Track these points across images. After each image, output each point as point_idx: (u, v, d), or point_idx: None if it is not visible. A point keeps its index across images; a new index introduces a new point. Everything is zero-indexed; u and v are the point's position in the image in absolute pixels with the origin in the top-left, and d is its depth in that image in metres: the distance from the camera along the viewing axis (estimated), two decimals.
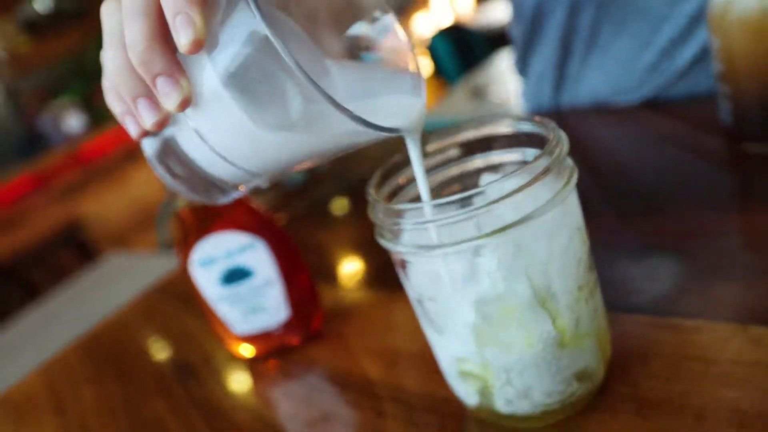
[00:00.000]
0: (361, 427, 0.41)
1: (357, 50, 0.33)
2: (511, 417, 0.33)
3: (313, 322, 0.53)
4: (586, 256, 0.31)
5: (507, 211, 0.28)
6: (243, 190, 0.34)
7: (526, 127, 0.33)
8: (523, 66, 0.90)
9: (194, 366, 0.57)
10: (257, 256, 0.49)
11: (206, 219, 0.49)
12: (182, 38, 0.26)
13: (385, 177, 0.34)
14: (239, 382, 0.52)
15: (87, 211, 3.69)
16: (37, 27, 4.31)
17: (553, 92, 0.84)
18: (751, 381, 0.32)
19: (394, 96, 0.31)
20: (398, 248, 0.30)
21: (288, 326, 0.52)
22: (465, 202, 0.28)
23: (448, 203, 0.28)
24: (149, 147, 0.33)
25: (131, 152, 3.52)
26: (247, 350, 0.53)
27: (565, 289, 0.30)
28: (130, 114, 0.32)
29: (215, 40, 0.27)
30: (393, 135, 0.28)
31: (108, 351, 0.67)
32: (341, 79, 0.32)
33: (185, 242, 0.50)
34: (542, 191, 0.29)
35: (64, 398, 0.61)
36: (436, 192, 0.34)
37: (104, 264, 2.71)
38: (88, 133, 3.75)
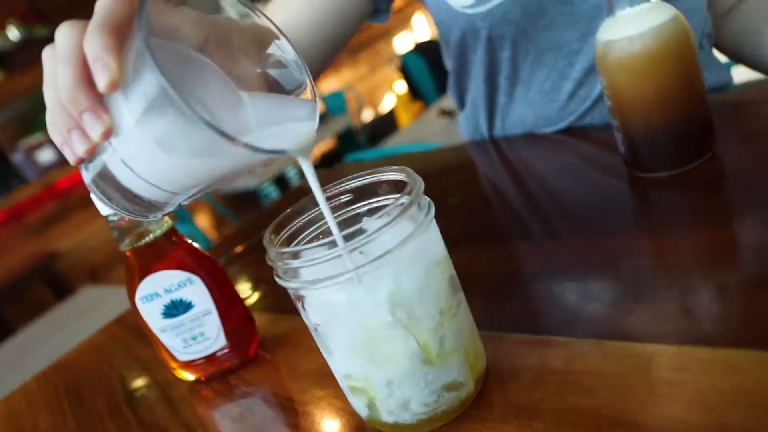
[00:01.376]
0: None
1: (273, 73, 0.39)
2: (395, 426, 0.39)
3: (250, 348, 0.59)
4: (445, 285, 0.37)
5: (375, 247, 0.34)
6: (170, 208, 0.40)
7: (397, 175, 0.39)
8: (458, 96, 0.97)
9: (143, 391, 0.62)
10: (195, 289, 0.55)
11: (148, 259, 0.54)
12: (100, 81, 0.32)
13: (280, 226, 0.40)
14: (182, 404, 0.57)
15: (61, 245, 3.68)
16: (8, 58, 4.24)
17: (486, 122, 0.91)
18: (594, 388, 0.38)
19: (292, 122, 0.37)
20: (291, 284, 0.36)
21: (226, 352, 0.57)
22: (335, 243, 0.34)
23: (323, 244, 0.34)
24: (86, 174, 0.39)
25: None
26: (189, 375, 0.58)
27: (426, 314, 0.36)
28: (67, 144, 0.37)
29: (128, 82, 0.32)
30: (282, 156, 0.33)
31: (66, 380, 0.72)
32: (252, 108, 0.37)
33: (131, 281, 0.55)
34: (403, 229, 0.35)
35: (23, 426, 0.66)
36: (326, 232, 0.40)
37: (78, 297, 2.72)
38: (61, 166, 3.75)
